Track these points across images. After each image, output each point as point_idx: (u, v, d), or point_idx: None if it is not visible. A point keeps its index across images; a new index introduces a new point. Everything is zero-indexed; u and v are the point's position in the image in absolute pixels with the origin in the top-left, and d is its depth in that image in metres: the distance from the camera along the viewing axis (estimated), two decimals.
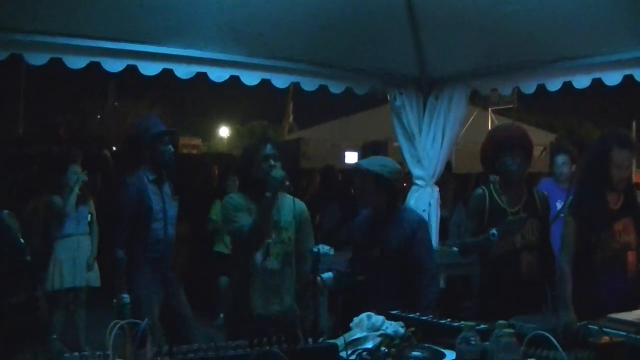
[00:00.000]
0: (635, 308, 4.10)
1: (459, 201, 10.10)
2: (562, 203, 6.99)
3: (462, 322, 3.49)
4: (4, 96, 33.12)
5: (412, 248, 5.12)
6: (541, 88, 7.87)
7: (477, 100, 23.13)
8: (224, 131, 52.77)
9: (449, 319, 3.73)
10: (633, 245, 5.03)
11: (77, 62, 6.62)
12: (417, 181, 8.68)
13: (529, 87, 8.00)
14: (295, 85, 8.27)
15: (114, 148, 23.29)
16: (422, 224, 5.35)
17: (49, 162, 9.88)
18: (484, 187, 5.44)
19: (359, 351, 3.18)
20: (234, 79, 7.53)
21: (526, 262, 5.20)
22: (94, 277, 8.31)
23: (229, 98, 41.71)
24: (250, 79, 7.61)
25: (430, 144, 8.55)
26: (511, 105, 30.40)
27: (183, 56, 7.05)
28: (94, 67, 6.74)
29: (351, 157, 25.58)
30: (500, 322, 2.92)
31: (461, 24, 7.13)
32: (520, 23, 6.84)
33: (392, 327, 3.57)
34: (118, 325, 2.81)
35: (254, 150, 5.14)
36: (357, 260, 5.62)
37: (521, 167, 5.25)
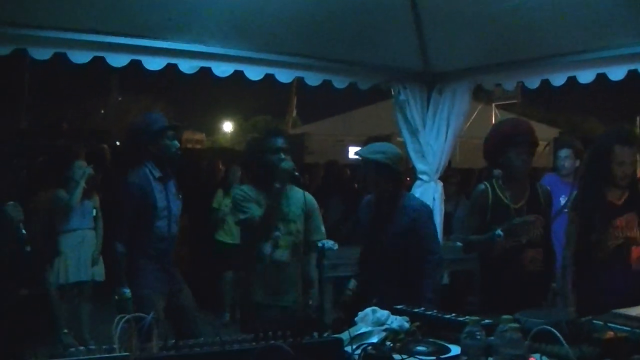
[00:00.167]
0: None
1: (462, 196, 10.10)
2: (566, 198, 7.01)
3: (466, 316, 3.49)
4: (7, 91, 33.12)
5: (415, 233, 5.13)
6: (545, 83, 7.86)
7: (480, 95, 23.08)
8: (227, 126, 52.74)
9: (453, 314, 3.73)
10: (639, 239, 5.03)
11: (81, 57, 6.62)
12: (421, 176, 8.68)
13: (533, 82, 7.99)
14: (299, 80, 8.27)
15: (118, 143, 23.29)
16: (425, 210, 5.37)
17: (53, 156, 9.90)
18: (486, 183, 5.41)
19: (364, 346, 3.18)
20: (238, 74, 7.53)
21: (530, 257, 5.18)
22: (99, 272, 8.32)
23: (232, 93, 41.57)
24: (255, 73, 7.60)
25: (434, 138, 8.55)
26: (515, 100, 30.31)
27: (187, 51, 7.05)
28: (98, 61, 6.74)
29: (356, 150, 25.47)
30: (505, 316, 2.92)
31: (465, 19, 7.11)
32: (525, 17, 6.82)
33: (397, 321, 3.57)
34: (124, 319, 2.81)
35: (265, 142, 5.18)
36: (363, 249, 5.64)
37: (526, 163, 5.22)
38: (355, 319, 3.68)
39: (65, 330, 4.90)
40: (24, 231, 4.76)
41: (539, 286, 5.22)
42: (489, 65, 8.18)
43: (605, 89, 11.84)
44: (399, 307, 3.92)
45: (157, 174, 5.62)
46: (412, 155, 8.70)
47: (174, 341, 2.87)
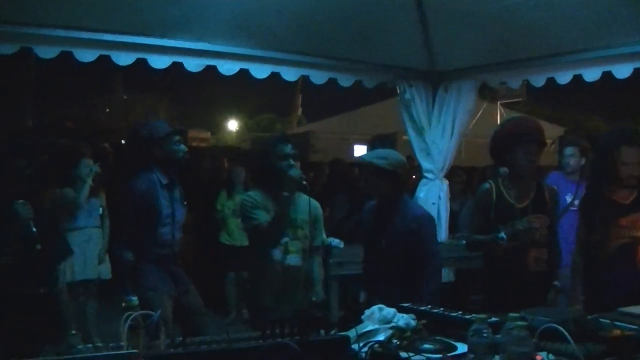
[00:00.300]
0: None
1: (468, 194, 10.09)
2: (571, 196, 7.00)
3: (473, 314, 3.49)
4: (13, 89, 33.14)
5: (417, 241, 5.14)
6: (550, 81, 7.87)
7: (485, 93, 23.07)
8: (232, 124, 52.74)
9: (460, 312, 3.74)
10: None
11: (87, 56, 6.64)
12: (426, 174, 8.70)
13: (539, 80, 7.99)
14: (304, 78, 8.28)
15: (123, 142, 23.30)
16: (426, 218, 5.37)
17: (58, 155, 9.90)
18: (491, 182, 5.38)
19: (371, 343, 3.18)
20: (244, 72, 7.54)
21: (534, 257, 5.14)
22: (105, 270, 8.32)
23: (237, 91, 41.55)
24: (260, 72, 7.61)
25: (439, 136, 8.56)
26: (520, 99, 30.32)
27: (193, 49, 7.07)
28: (103, 60, 6.76)
29: (360, 150, 25.58)
30: (512, 314, 2.92)
31: (470, 17, 7.12)
32: (530, 16, 6.83)
33: (404, 319, 3.57)
34: (132, 317, 2.82)
35: (273, 148, 5.20)
36: (365, 250, 5.66)
37: (532, 162, 5.17)
38: (362, 316, 3.69)
39: (74, 332, 4.90)
40: (34, 229, 4.77)
41: (542, 286, 5.16)
42: (494, 64, 8.19)
43: (610, 87, 11.83)
44: (405, 305, 3.93)
45: (164, 180, 5.61)
46: (418, 153, 8.71)
47: (181, 339, 2.88)
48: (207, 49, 7.13)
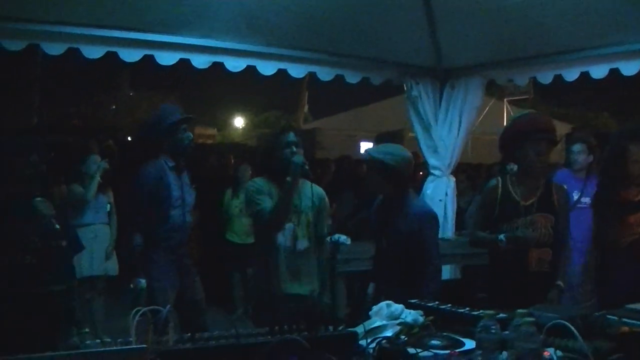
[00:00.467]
0: None
1: (475, 191, 10.10)
2: (579, 193, 6.99)
3: (480, 311, 3.49)
4: (19, 86, 33.18)
5: (418, 241, 5.12)
6: (557, 78, 7.86)
7: (492, 90, 23.02)
8: (238, 121, 52.75)
9: (467, 308, 3.74)
10: None
11: (94, 52, 6.66)
12: (433, 171, 8.70)
13: (546, 77, 7.99)
14: (311, 75, 8.28)
15: (129, 138, 23.34)
16: (429, 216, 5.30)
17: (65, 151, 9.93)
18: (498, 178, 5.35)
19: (378, 339, 3.19)
20: (250, 69, 7.55)
21: (536, 257, 5.07)
22: (113, 267, 8.34)
23: (243, 88, 41.58)
24: (267, 68, 7.62)
25: (446, 133, 8.56)
26: (527, 96, 30.27)
27: (200, 46, 7.08)
28: (109, 57, 6.77)
29: (367, 147, 25.53)
30: (520, 310, 2.92)
31: (478, 14, 7.11)
32: (537, 13, 6.82)
33: (411, 315, 3.58)
34: (140, 312, 2.83)
35: (277, 137, 5.26)
36: (375, 247, 5.65)
37: (542, 160, 5.08)
38: (370, 312, 3.69)
39: (87, 330, 4.90)
40: (57, 226, 4.78)
41: (544, 287, 5.06)
42: (501, 61, 8.19)
43: (618, 84, 11.83)
44: (412, 301, 3.93)
45: (171, 164, 5.71)
46: (425, 150, 8.72)
47: (189, 334, 2.89)
48: (214, 45, 7.14)
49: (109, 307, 8.41)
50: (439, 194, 8.61)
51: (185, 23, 6.80)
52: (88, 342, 2.89)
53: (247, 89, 41.83)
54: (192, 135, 5.85)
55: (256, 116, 51.95)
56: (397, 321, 3.53)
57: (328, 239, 5.39)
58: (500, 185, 5.24)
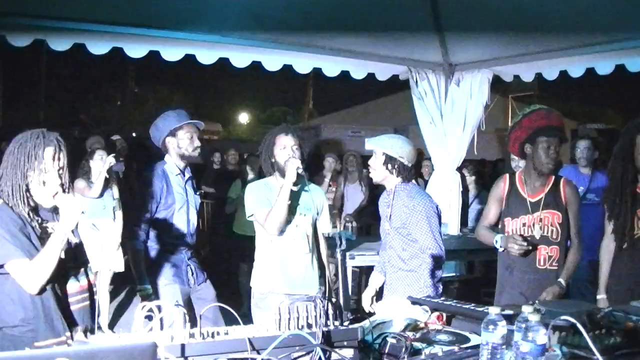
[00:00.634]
0: None
1: (480, 187, 10.11)
2: (584, 189, 6.99)
3: (486, 306, 3.49)
4: (25, 82, 33.27)
5: (411, 228, 5.07)
6: (562, 75, 7.85)
7: (497, 86, 22.96)
8: (243, 117, 52.79)
9: (473, 304, 3.74)
10: None
11: (100, 48, 6.67)
12: (438, 167, 8.70)
13: (552, 74, 7.99)
14: (316, 71, 8.29)
15: (134, 134, 23.37)
16: (423, 205, 5.10)
17: (73, 147, 9.93)
18: (506, 175, 5.34)
19: (385, 335, 3.19)
20: (256, 65, 7.55)
21: (544, 255, 5.05)
22: (117, 262, 8.35)
23: (248, 84, 41.68)
24: (273, 64, 7.63)
25: (452, 129, 8.55)
26: (532, 92, 30.18)
27: (206, 42, 7.09)
28: (115, 52, 6.78)
29: (369, 138, 25.41)
30: (526, 306, 2.92)
31: (484, 10, 7.10)
32: (543, 9, 6.80)
33: (417, 311, 3.58)
34: (147, 307, 2.83)
35: (274, 139, 5.26)
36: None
37: (553, 158, 5.03)
38: (376, 308, 3.70)
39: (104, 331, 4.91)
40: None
41: (551, 284, 5.03)
42: (507, 57, 8.19)
43: (623, 81, 11.80)
44: (418, 297, 3.94)
45: (176, 170, 5.66)
46: (430, 146, 8.72)
47: (197, 329, 2.89)
48: (220, 41, 7.16)
49: (114, 303, 8.43)
50: (444, 189, 8.61)
51: (191, 19, 6.81)
52: (94, 335, 2.89)
53: (252, 84, 41.89)
54: (199, 143, 5.78)
55: (261, 112, 52.00)
56: (403, 317, 3.53)
57: (335, 234, 5.39)
58: (507, 182, 5.23)
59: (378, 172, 5.22)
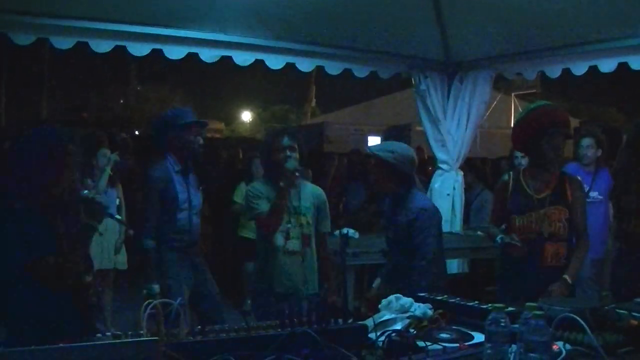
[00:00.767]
0: None
1: (482, 185, 10.10)
2: (588, 187, 6.98)
3: (489, 304, 3.49)
4: (27, 80, 33.32)
5: (411, 234, 5.09)
6: (565, 72, 7.84)
7: (500, 84, 22.97)
8: (246, 115, 52.85)
9: (476, 302, 3.74)
10: None
11: (102, 46, 6.67)
12: (441, 165, 8.70)
13: (554, 71, 7.98)
14: (318, 69, 8.29)
15: (137, 132, 23.40)
16: (424, 211, 5.12)
17: (75, 145, 9.91)
18: (510, 173, 5.32)
19: (388, 332, 3.19)
20: (258, 63, 7.55)
21: (552, 252, 4.98)
22: (122, 260, 8.35)
23: (251, 82, 41.71)
24: (275, 62, 7.63)
25: (454, 127, 8.56)
26: (534, 90, 30.20)
27: (208, 40, 7.09)
28: (117, 51, 6.79)
29: (374, 142, 25.51)
30: (529, 304, 2.92)
31: (486, 7, 7.09)
32: (546, 6, 6.80)
33: (421, 309, 3.58)
34: (152, 304, 2.83)
35: (272, 140, 5.28)
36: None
37: (558, 154, 5.01)
38: (379, 306, 3.70)
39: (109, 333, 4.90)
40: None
41: (557, 281, 4.94)
42: (509, 54, 8.19)
43: (626, 79, 11.80)
44: (422, 294, 3.94)
45: (178, 167, 5.68)
46: (433, 144, 8.72)
47: (200, 327, 2.90)
48: (223, 39, 7.15)
49: (118, 301, 8.43)
50: (447, 188, 8.61)
51: (194, 17, 6.81)
52: (99, 334, 2.90)
53: (255, 83, 41.90)
54: (202, 140, 5.81)
55: (264, 110, 52.03)
56: (407, 314, 3.54)
57: (337, 232, 5.40)
58: (511, 180, 5.20)
59: (379, 179, 5.25)
